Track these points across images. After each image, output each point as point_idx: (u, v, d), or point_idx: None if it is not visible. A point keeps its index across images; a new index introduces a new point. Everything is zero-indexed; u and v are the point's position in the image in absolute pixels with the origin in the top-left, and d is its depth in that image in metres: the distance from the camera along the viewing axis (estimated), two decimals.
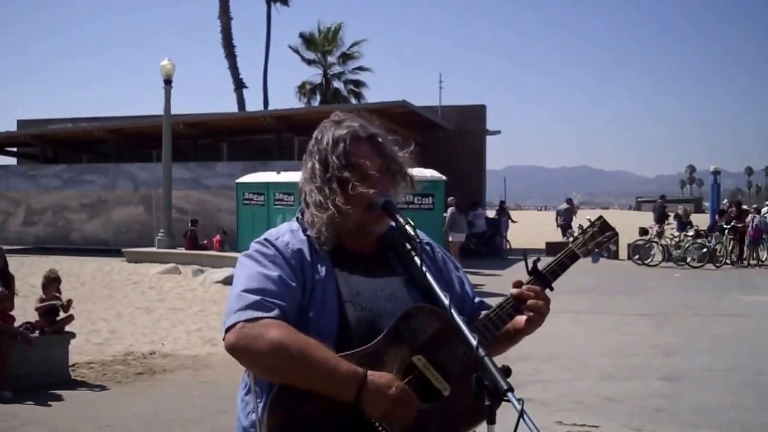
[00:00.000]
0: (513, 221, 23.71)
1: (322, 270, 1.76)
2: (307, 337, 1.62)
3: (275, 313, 1.64)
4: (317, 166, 1.79)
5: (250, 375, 1.74)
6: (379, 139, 1.83)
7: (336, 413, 1.60)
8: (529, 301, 1.76)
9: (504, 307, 1.77)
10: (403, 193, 1.88)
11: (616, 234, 1.87)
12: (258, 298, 1.65)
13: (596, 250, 1.86)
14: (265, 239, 1.80)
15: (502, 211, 23.68)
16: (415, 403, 1.61)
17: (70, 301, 7.05)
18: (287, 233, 1.81)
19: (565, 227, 22.81)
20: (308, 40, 35.24)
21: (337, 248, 1.81)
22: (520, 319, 1.79)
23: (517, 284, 1.79)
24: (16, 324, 6.64)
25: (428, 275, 1.70)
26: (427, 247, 1.95)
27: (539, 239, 20.37)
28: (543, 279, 1.80)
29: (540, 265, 1.83)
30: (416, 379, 1.66)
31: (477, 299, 1.97)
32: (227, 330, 1.65)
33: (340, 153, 1.76)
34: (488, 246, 21.51)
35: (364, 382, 1.57)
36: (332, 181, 1.76)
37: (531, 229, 22.12)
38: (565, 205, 24.33)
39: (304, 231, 1.82)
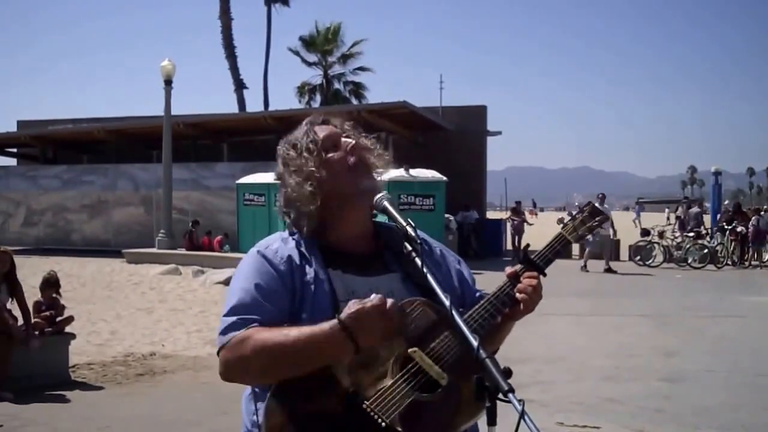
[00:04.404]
0: (529, 224, 22.78)
1: (312, 271, 1.76)
2: (282, 327, 1.62)
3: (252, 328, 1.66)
4: (289, 152, 1.84)
5: None
6: (337, 121, 1.90)
7: (332, 414, 1.59)
8: (524, 283, 1.76)
9: (493, 303, 1.75)
10: (379, 157, 1.89)
11: (607, 218, 1.93)
12: (234, 318, 1.67)
13: (587, 235, 1.93)
14: (256, 250, 1.82)
15: (516, 212, 23.34)
16: (392, 304, 1.58)
17: (71, 317, 7.09)
18: (277, 241, 1.83)
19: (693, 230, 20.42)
20: (308, 43, 35.23)
21: (330, 249, 1.81)
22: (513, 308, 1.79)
23: (512, 274, 1.79)
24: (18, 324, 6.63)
25: (429, 276, 1.69)
26: (425, 246, 1.94)
27: (543, 240, 20.32)
28: (536, 266, 1.81)
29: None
30: (413, 371, 1.66)
31: (478, 293, 1.96)
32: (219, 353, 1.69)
33: (305, 135, 1.84)
34: (467, 245, 21.17)
35: (345, 324, 1.56)
36: (303, 154, 1.80)
37: (535, 229, 21.97)
38: (696, 209, 22.53)
39: (292, 235, 1.84)
